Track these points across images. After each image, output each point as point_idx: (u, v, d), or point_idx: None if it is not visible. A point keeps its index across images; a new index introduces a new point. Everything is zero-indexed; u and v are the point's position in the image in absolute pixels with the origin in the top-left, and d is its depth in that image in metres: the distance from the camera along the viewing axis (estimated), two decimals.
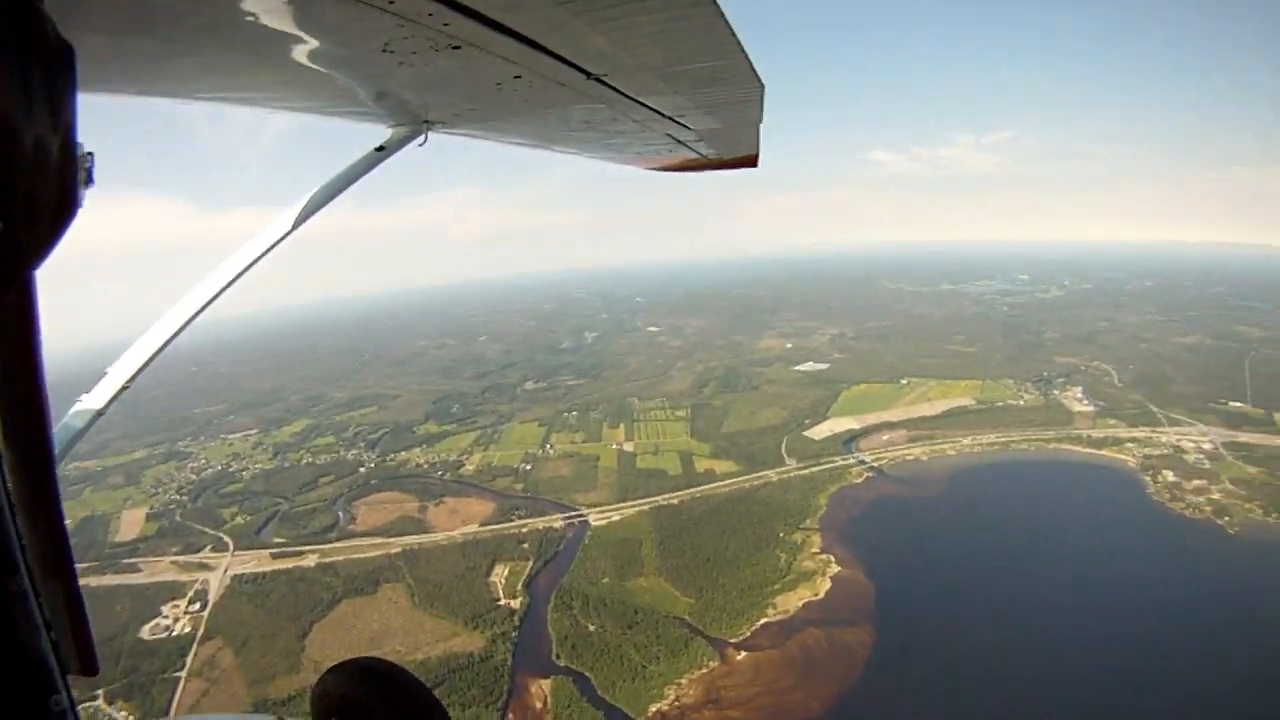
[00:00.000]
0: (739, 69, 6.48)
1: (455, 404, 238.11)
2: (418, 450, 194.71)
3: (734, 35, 5.51)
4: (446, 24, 4.41)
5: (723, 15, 5.05)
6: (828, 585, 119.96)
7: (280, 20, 4.24)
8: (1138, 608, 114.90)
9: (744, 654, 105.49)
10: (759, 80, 6.91)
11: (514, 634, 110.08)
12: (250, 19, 4.10)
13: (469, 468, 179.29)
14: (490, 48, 5.04)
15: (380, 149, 8.37)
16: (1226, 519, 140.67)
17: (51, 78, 1.42)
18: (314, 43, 4.84)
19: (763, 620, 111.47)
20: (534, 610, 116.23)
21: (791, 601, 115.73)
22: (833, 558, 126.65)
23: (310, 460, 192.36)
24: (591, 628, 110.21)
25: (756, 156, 11.96)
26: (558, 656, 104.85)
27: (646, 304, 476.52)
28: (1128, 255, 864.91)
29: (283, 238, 8.03)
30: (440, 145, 8.54)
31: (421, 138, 8.33)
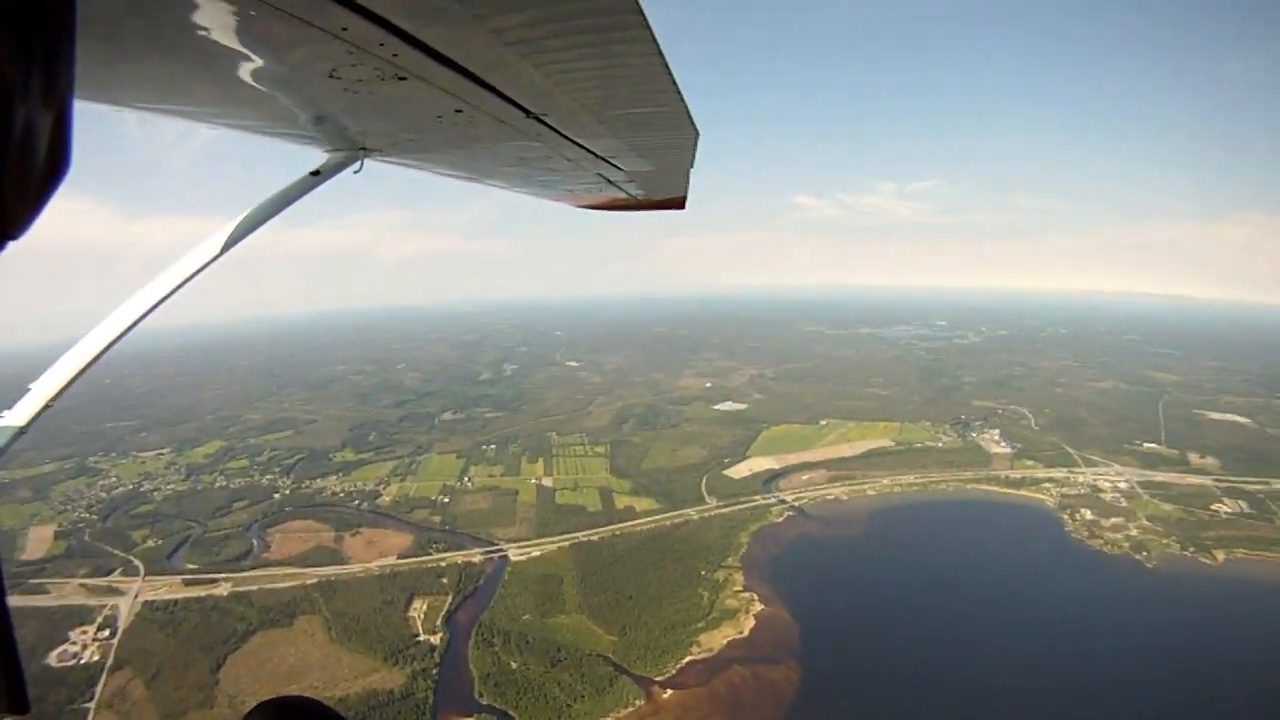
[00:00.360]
0: (676, 115, 6.58)
1: (372, 432, 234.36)
2: (334, 478, 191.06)
3: (674, 83, 5.58)
4: (396, 55, 4.42)
5: (665, 63, 5.11)
6: (752, 623, 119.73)
7: (229, 36, 4.20)
8: (1059, 641, 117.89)
9: (670, 692, 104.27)
10: (694, 127, 7.02)
11: (435, 671, 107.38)
12: (201, 32, 4.06)
13: (386, 498, 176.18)
14: (435, 81, 5.06)
15: (315, 173, 8.24)
16: (1145, 554, 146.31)
17: (51, 44, 1.42)
18: (260, 62, 4.79)
19: (688, 658, 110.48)
20: (454, 646, 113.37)
21: (716, 639, 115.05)
22: (756, 596, 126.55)
23: (224, 484, 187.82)
24: (514, 665, 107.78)
25: (684, 199, 12.15)
26: (480, 694, 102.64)
27: (567, 338, 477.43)
28: (1044, 303, 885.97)
29: (213, 259, 7.90)
30: (372, 166, 8.43)
31: (357, 164, 8.26)
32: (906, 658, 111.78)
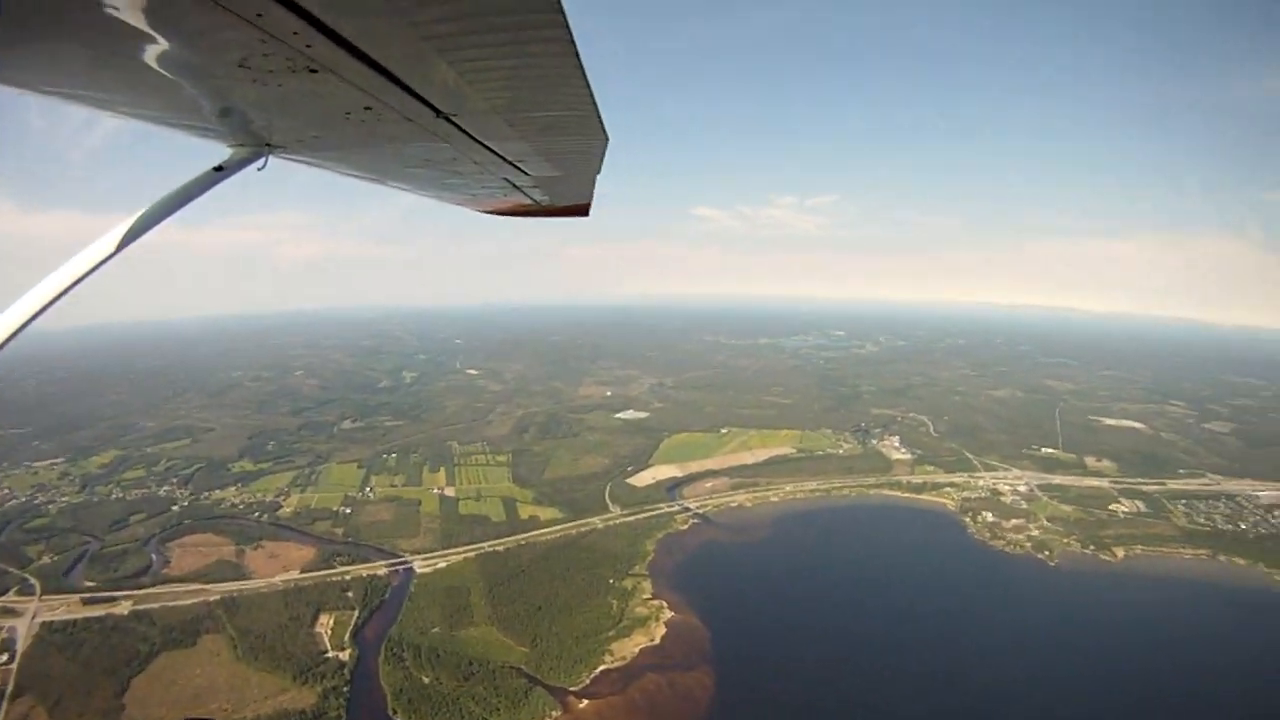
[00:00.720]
0: (587, 121, 6.62)
1: (271, 441, 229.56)
2: (233, 489, 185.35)
3: (588, 87, 5.57)
4: (309, 45, 4.33)
5: (581, 66, 5.09)
6: (663, 630, 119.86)
7: (138, 17, 4.06)
8: (967, 638, 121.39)
9: (586, 702, 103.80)
10: (604, 134, 7.07)
11: (346, 688, 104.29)
12: (109, 10, 3.94)
13: (287, 509, 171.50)
14: (347, 75, 4.98)
15: (219, 169, 7.98)
16: (1047, 553, 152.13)
17: None
18: (169, 45, 4.63)
19: (601, 667, 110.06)
20: (364, 662, 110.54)
21: (628, 648, 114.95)
22: (665, 603, 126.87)
23: (120, 495, 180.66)
24: (426, 680, 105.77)
25: (589, 206, 12.18)
26: (394, 711, 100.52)
27: (466, 346, 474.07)
28: (940, 316, 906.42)
29: (111, 256, 7.60)
30: (276, 164, 8.20)
31: (262, 161, 8.02)
32: (819, 660, 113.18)
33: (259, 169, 8.11)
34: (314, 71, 4.81)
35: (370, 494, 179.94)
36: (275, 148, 7.89)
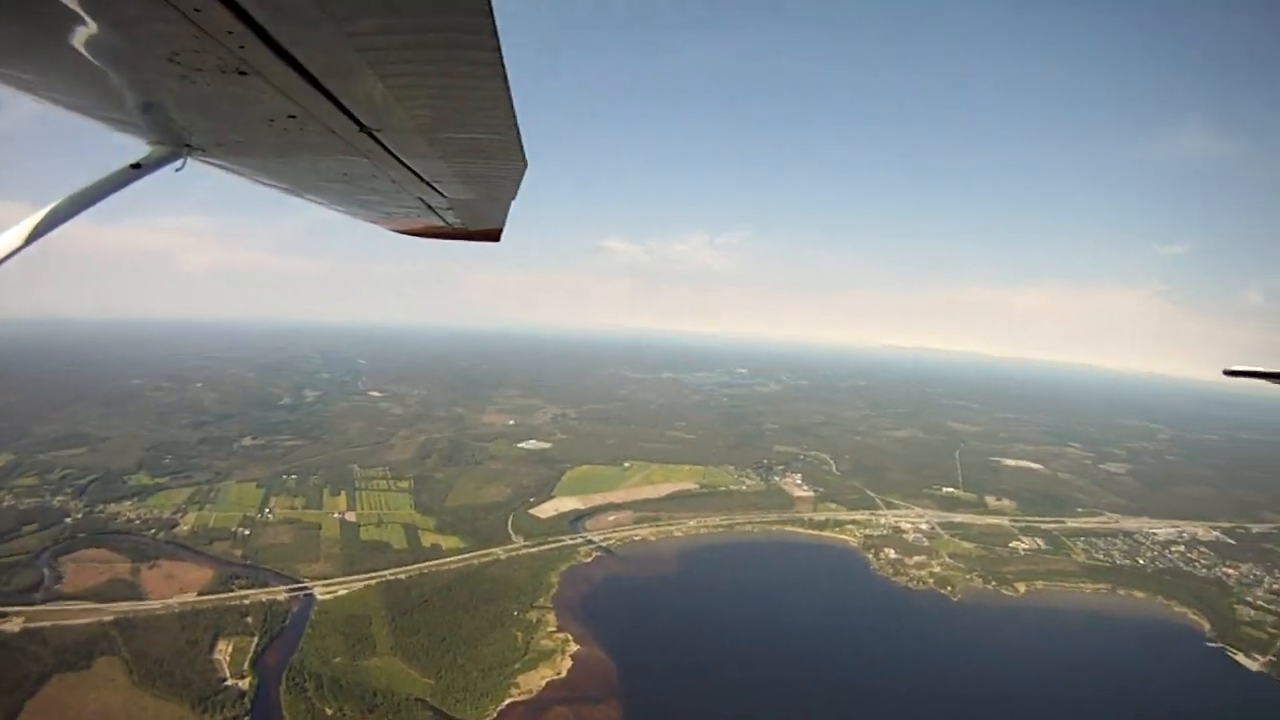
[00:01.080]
0: (508, 146, 6.68)
1: (169, 454, 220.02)
2: (129, 503, 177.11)
3: (512, 112, 5.62)
4: (242, 46, 4.33)
5: (508, 90, 5.14)
6: (569, 664, 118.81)
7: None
8: (873, 673, 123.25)
9: None
10: (523, 159, 7.13)
11: (246, 718, 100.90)
12: None
13: (184, 527, 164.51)
14: (275, 80, 4.98)
15: (136, 166, 7.74)
16: (949, 588, 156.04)
17: None
18: (98, 31, 4.55)
19: (508, 700, 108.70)
20: (265, 692, 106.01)
21: (534, 681, 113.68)
22: (570, 636, 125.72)
23: (11, 503, 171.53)
24: (329, 711, 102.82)
25: (501, 232, 12.13)
26: None
27: (369, 367, 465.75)
28: (843, 356, 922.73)
29: (19, 249, 7.37)
30: (193, 166, 8.03)
31: (180, 161, 7.85)
32: (726, 695, 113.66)
33: (176, 169, 7.94)
34: (243, 74, 4.79)
35: (269, 515, 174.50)
36: (195, 149, 7.74)
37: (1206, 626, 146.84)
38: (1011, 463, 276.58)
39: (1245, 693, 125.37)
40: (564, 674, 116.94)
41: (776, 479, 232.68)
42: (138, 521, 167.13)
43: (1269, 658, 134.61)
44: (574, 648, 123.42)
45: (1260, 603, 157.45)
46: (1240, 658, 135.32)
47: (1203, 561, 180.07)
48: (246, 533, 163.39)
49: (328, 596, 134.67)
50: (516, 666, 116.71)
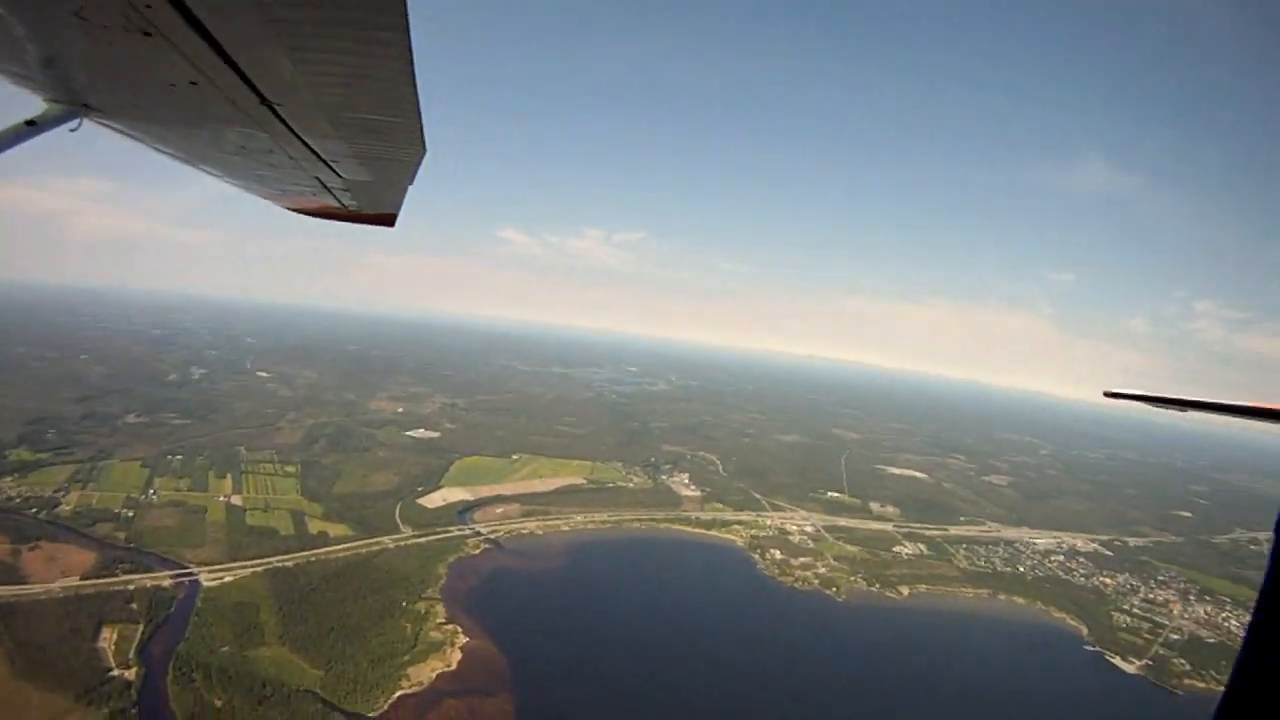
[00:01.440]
0: (409, 129, 6.65)
1: (52, 429, 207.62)
2: (9, 479, 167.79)
3: (416, 98, 5.59)
4: (149, 6, 4.24)
5: (413, 74, 5.10)
6: (459, 656, 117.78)
7: None
8: (758, 668, 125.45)
9: None
10: (423, 145, 7.11)
11: (133, 710, 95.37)
12: None
13: (66, 507, 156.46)
14: (180, 43, 4.91)
15: (31, 123, 7.46)
16: (834, 589, 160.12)
17: None
18: None
19: (399, 692, 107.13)
20: (152, 682, 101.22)
21: (425, 673, 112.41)
22: (459, 628, 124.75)
23: None
24: (218, 703, 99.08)
25: (396, 216, 11.97)
26: None
27: (258, 346, 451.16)
28: (735, 360, 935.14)
29: None
30: (90, 128, 7.74)
31: (76, 121, 7.56)
32: (614, 689, 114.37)
33: (72, 129, 7.65)
34: (148, 35, 4.71)
35: (154, 497, 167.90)
36: (93, 110, 7.48)
37: (1085, 631, 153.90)
38: (896, 470, 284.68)
39: (1124, 692, 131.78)
40: (454, 666, 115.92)
41: (664, 477, 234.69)
42: (18, 500, 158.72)
43: (1145, 661, 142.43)
44: (463, 640, 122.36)
45: (1136, 611, 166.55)
46: (1118, 661, 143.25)
47: (1081, 571, 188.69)
48: (130, 514, 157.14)
49: (214, 583, 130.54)
50: (406, 658, 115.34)
